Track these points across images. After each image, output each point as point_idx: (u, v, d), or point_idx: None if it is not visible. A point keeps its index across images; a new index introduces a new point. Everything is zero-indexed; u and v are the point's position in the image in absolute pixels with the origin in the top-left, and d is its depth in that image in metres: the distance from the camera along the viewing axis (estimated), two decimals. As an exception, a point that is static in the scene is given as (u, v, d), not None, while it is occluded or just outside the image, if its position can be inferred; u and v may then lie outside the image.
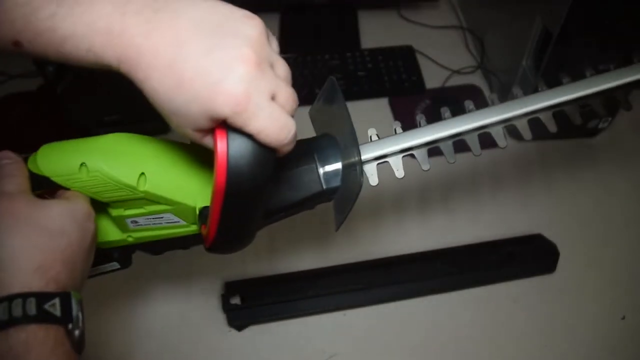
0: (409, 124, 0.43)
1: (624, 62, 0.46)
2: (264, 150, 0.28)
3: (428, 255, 0.63)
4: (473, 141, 0.44)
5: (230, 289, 0.60)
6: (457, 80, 0.85)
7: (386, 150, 0.41)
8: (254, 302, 0.59)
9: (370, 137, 0.42)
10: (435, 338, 0.58)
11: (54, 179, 0.31)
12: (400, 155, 0.42)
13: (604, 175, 0.72)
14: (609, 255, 0.64)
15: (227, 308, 0.58)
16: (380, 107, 0.82)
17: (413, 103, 0.82)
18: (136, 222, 0.35)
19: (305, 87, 0.83)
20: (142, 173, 0.32)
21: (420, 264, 0.62)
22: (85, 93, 0.71)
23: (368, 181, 0.41)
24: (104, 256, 0.39)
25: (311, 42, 0.94)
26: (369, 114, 0.81)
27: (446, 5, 0.98)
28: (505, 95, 0.76)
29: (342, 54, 0.87)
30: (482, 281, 0.62)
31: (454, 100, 0.80)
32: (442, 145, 0.43)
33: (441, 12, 0.97)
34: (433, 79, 0.85)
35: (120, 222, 0.35)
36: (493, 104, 0.44)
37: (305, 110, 0.88)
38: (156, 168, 0.33)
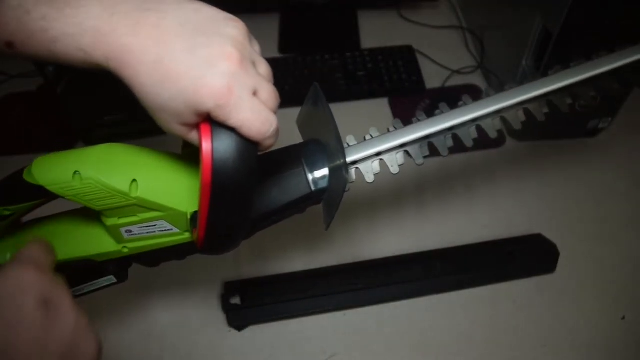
0: (404, 122, 0.44)
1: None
2: (246, 143, 0.29)
3: (428, 255, 0.63)
4: (465, 135, 0.44)
5: (230, 289, 0.60)
6: (457, 80, 0.85)
7: (380, 148, 0.42)
8: (253, 302, 0.59)
9: (365, 137, 0.43)
10: (435, 338, 0.58)
11: (49, 187, 0.32)
12: (395, 153, 0.43)
13: (604, 175, 0.72)
14: (609, 255, 0.64)
15: (227, 308, 0.58)
16: (380, 107, 0.82)
17: (413, 103, 0.82)
18: (130, 231, 0.36)
19: (305, 87, 0.83)
20: (134, 180, 0.33)
21: (420, 264, 0.62)
22: (85, 93, 0.71)
23: (364, 179, 0.42)
24: (100, 270, 0.40)
25: (311, 42, 0.94)
26: (369, 114, 0.81)
27: (446, 5, 0.98)
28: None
29: (342, 54, 0.87)
30: (481, 281, 0.62)
31: (454, 101, 0.80)
32: (435, 140, 0.44)
33: (441, 12, 0.97)
34: (433, 79, 0.85)
35: (115, 232, 0.36)
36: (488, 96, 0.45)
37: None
38: (148, 175, 0.34)
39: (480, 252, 0.63)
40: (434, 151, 0.44)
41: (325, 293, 0.59)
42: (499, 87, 0.44)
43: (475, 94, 0.87)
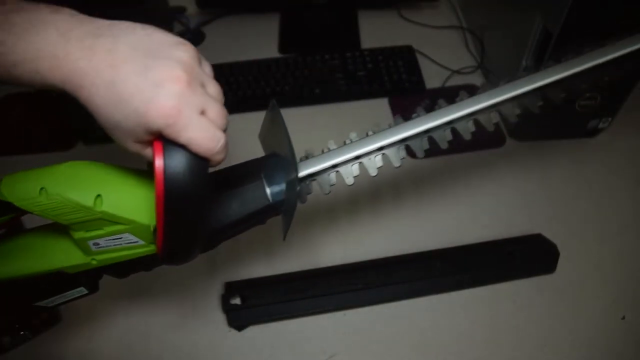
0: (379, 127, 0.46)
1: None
2: (196, 159, 0.31)
3: (428, 255, 0.63)
4: (440, 137, 0.45)
5: (230, 289, 0.61)
6: (457, 80, 0.85)
7: (360, 151, 0.44)
8: (254, 302, 0.59)
9: (345, 141, 0.45)
10: (435, 338, 0.58)
11: (17, 203, 0.33)
12: (374, 155, 0.44)
13: (604, 175, 0.72)
14: (609, 255, 0.64)
15: (227, 308, 0.58)
16: (380, 107, 0.82)
17: (413, 103, 0.82)
18: (98, 244, 0.37)
19: (306, 87, 0.83)
20: (99, 195, 0.34)
21: (420, 264, 0.62)
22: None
23: (344, 181, 0.44)
24: (71, 282, 0.41)
25: (311, 42, 0.94)
26: (369, 114, 0.81)
27: (446, 5, 0.98)
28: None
29: (342, 54, 0.87)
30: (482, 281, 0.62)
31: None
32: (412, 143, 0.45)
33: (441, 12, 0.97)
34: (433, 79, 0.85)
35: (83, 245, 0.37)
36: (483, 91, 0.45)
37: (309, 109, 0.87)
38: (112, 190, 0.35)
39: (480, 252, 0.63)
40: (410, 153, 0.45)
41: (325, 293, 0.60)
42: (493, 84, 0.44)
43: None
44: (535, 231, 0.65)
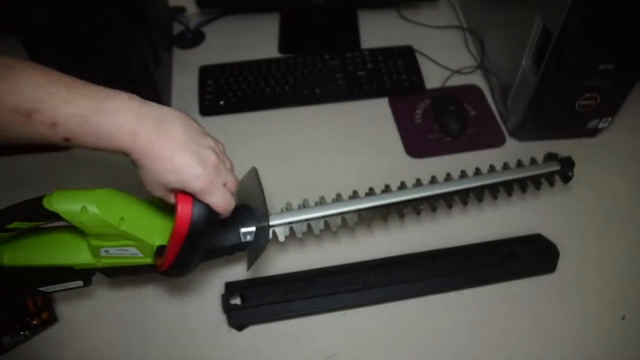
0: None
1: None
2: (213, 213, 0.44)
3: (428, 255, 0.63)
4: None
5: (230, 289, 0.61)
6: (457, 80, 0.85)
7: (292, 218, 0.57)
8: (254, 302, 0.59)
9: (282, 208, 0.58)
10: (435, 338, 0.58)
11: (63, 215, 0.42)
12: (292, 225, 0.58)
13: (604, 175, 0.72)
14: (609, 255, 0.64)
15: (227, 308, 0.58)
16: (380, 107, 0.82)
17: (413, 103, 0.82)
18: (107, 251, 0.48)
19: (306, 87, 0.83)
20: (122, 217, 0.45)
21: (420, 264, 0.62)
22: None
23: (277, 239, 0.57)
24: (74, 275, 0.51)
25: (311, 42, 0.94)
26: (369, 114, 0.81)
27: (446, 5, 0.98)
28: (505, 96, 0.77)
29: (342, 54, 0.87)
30: (482, 281, 0.62)
31: (454, 100, 0.80)
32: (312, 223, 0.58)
33: (441, 12, 0.97)
34: (433, 79, 0.85)
35: (95, 250, 0.48)
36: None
37: (309, 109, 0.87)
38: (131, 214, 0.46)
39: (480, 252, 0.63)
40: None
41: (326, 293, 0.60)
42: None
43: (475, 94, 0.87)
44: (535, 231, 0.65)
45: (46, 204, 0.42)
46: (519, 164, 0.64)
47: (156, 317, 0.61)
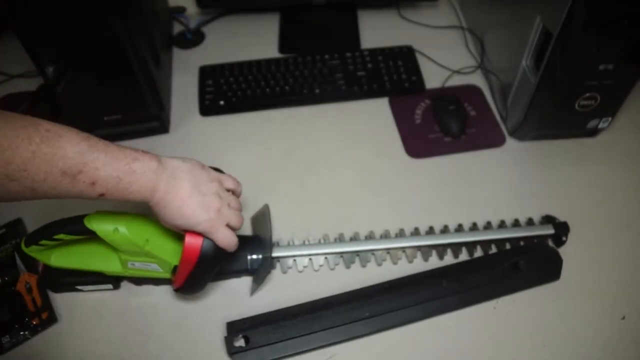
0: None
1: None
2: (218, 248, 0.52)
3: (431, 274, 0.62)
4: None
5: (232, 329, 0.58)
6: (457, 80, 0.85)
7: (296, 252, 0.64)
8: (258, 342, 0.56)
9: (304, 241, 0.67)
10: (434, 337, 0.58)
11: (99, 233, 0.51)
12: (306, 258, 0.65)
13: (604, 175, 0.72)
14: (609, 256, 0.64)
15: (232, 351, 0.56)
16: (380, 107, 0.82)
17: (413, 103, 0.82)
18: (134, 264, 0.57)
19: (306, 87, 0.83)
20: (147, 239, 0.54)
21: (427, 285, 0.60)
22: (85, 93, 0.71)
23: (280, 269, 0.63)
24: (105, 279, 0.60)
25: (311, 42, 0.94)
26: (369, 114, 0.81)
27: (446, 5, 0.98)
28: (505, 96, 0.76)
29: (342, 54, 0.87)
30: (489, 297, 0.60)
31: (454, 100, 0.80)
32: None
33: (441, 12, 0.97)
34: (433, 79, 0.85)
35: (124, 263, 0.57)
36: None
37: (309, 109, 0.87)
38: (154, 237, 0.54)
39: (485, 266, 0.62)
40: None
41: (332, 325, 0.57)
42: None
43: (475, 94, 0.87)
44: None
45: (87, 222, 0.51)
46: (516, 223, 0.66)
47: (157, 320, 0.61)
